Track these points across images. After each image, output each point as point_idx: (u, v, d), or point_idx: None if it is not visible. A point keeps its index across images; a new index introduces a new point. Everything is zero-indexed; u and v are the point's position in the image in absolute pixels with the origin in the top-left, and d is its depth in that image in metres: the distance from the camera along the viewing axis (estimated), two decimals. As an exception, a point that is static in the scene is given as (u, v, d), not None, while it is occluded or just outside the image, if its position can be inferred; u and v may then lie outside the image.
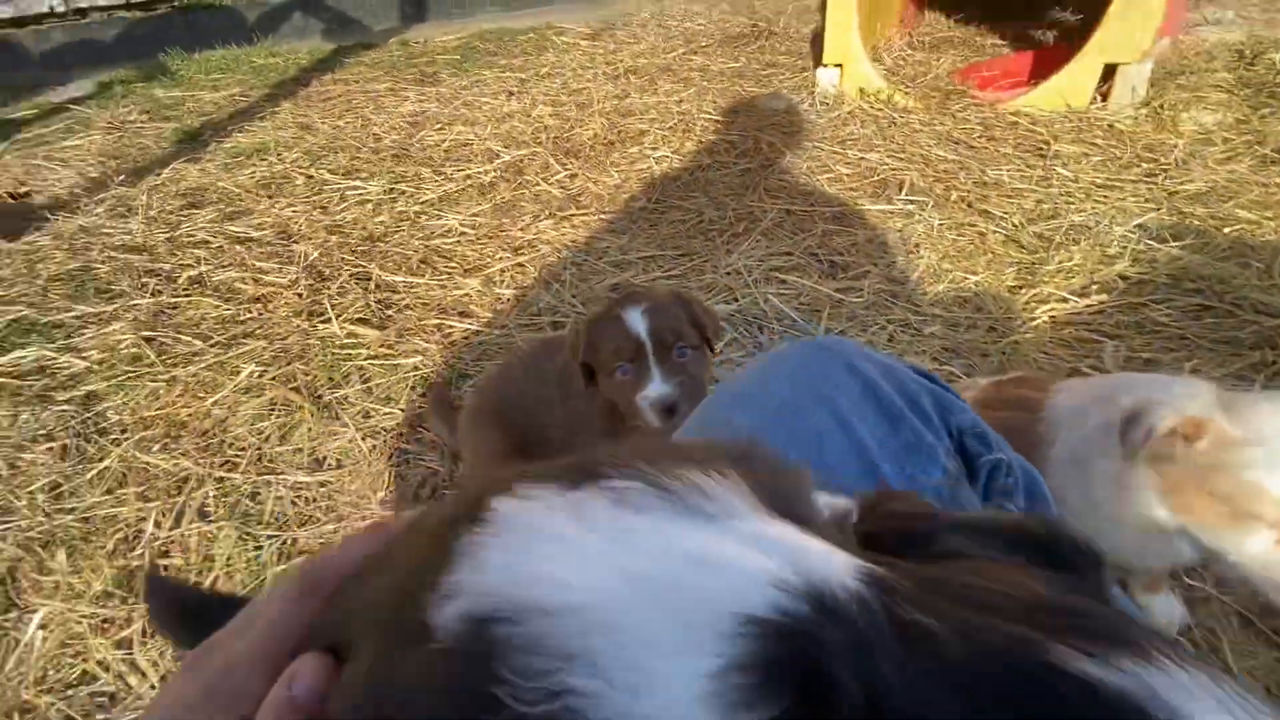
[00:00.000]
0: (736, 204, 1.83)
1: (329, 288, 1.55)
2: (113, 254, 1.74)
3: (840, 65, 2.46)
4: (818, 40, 3.14)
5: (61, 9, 3.77)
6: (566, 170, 2.15)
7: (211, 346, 1.37)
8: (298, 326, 1.41)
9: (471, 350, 1.33)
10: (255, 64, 3.36)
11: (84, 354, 1.38)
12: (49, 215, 1.96)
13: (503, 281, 1.56)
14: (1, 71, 3.33)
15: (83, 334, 1.44)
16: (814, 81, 2.56)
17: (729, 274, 1.52)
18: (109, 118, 2.75)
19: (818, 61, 2.85)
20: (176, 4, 3.98)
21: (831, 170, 1.97)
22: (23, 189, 2.18)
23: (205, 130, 2.62)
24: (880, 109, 2.32)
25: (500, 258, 1.65)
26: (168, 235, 1.84)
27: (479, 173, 2.16)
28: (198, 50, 3.70)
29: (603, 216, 1.87)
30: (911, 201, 1.72)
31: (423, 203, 1.99)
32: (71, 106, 2.88)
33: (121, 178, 2.18)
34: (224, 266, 1.69)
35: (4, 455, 1.14)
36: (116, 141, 2.57)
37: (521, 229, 1.81)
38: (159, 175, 2.23)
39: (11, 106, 2.96)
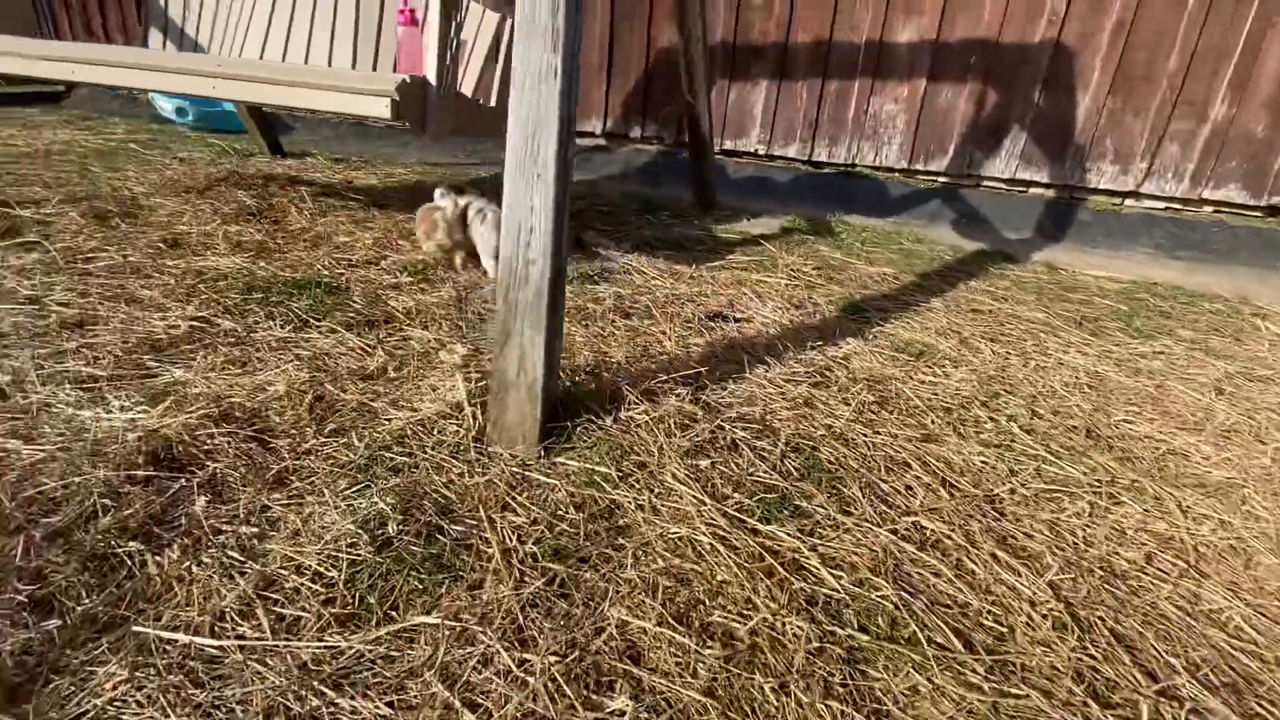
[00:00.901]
0: None
1: (1094, 645, 1.27)
2: (822, 440, 1.83)
3: None
4: None
5: (763, 151, 4.78)
6: (1393, 594, 1.47)
7: (973, 654, 1.21)
8: (1071, 699, 1.15)
9: None
10: (903, 245, 3.58)
11: (837, 572, 1.38)
12: (765, 359, 2.26)
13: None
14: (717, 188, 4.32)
15: (825, 536, 1.47)
16: None
17: None
18: (788, 263, 3.22)
19: None
20: (840, 170, 4.64)
21: None
22: (739, 314, 2.61)
23: (868, 307, 2.79)
24: None
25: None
26: (867, 438, 1.87)
27: (1223, 521, 1.66)
28: (845, 208, 4.19)
29: None
30: None
31: (1152, 533, 1.60)
32: (762, 241, 3.49)
33: (815, 344, 2.42)
34: (941, 520, 1.60)
35: (785, 679, 1.14)
36: (793, 290, 2.94)
37: (1361, 689, 1.24)
38: (839, 348, 2.41)
39: (722, 227, 3.78)
